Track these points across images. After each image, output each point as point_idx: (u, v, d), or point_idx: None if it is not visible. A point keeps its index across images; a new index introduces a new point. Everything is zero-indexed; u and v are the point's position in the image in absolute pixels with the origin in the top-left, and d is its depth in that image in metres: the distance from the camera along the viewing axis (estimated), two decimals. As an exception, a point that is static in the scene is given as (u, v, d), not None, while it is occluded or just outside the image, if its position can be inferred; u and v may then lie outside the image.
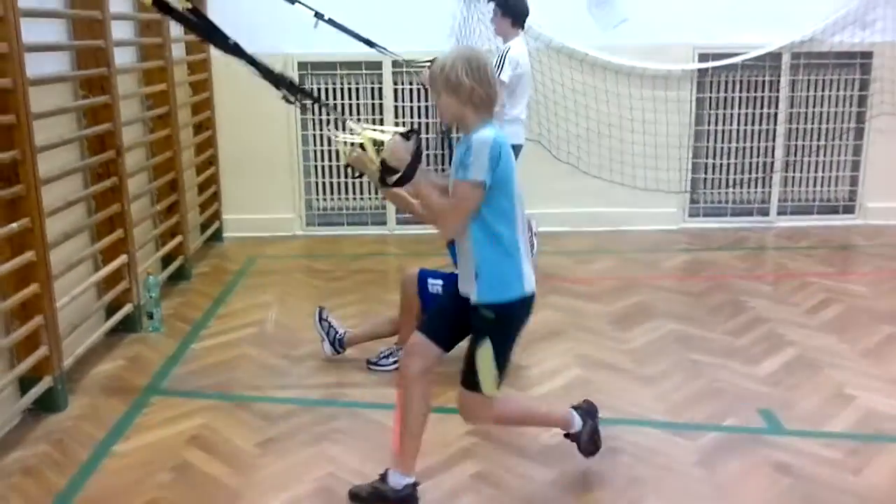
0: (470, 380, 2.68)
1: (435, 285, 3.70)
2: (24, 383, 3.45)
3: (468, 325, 2.70)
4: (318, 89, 6.22)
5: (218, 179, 6.16)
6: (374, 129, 2.71)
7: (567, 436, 3.03)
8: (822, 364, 3.93)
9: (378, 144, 2.68)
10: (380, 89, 6.21)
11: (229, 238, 6.27)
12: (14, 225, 3.24)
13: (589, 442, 3.01)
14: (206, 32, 2.53)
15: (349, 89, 6.25)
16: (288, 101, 2.77)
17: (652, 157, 6.28)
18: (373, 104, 6.25)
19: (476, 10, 6.02)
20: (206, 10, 5.87)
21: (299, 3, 4.76)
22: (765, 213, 6.48)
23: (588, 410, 3.06)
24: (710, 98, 6.32)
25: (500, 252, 2.59)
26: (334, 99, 6.23)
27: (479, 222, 2.58)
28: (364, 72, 6.16)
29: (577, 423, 2.99)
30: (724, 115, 6.35)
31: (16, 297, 3.31)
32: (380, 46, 4.93)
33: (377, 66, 6.05)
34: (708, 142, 6.40)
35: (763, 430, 3.34)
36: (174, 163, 5.12)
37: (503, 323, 2.64)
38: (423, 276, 3.75)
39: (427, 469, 3.04)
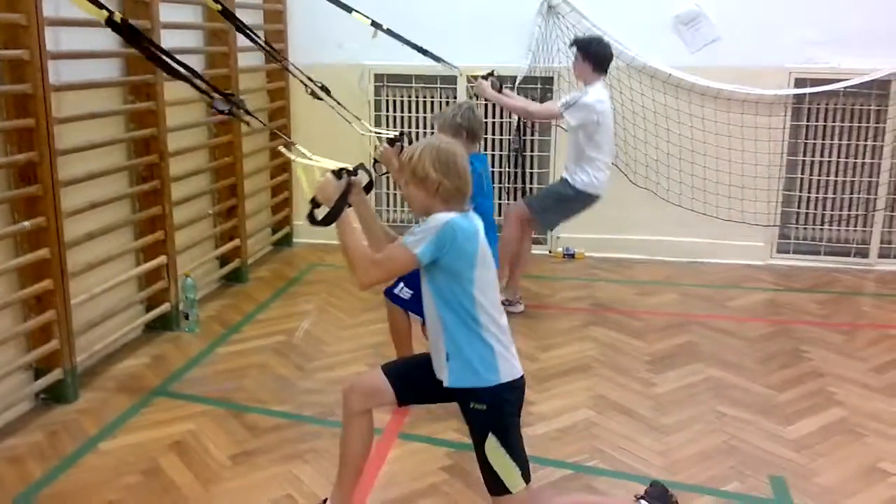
0: (496, 486, 2.48)
1: (403, 291, 3.59)
2: (39, 372, 3.63)
3: (437, 393, 2.57)
4: (393, 101, 6.23)
5: (290, 185, 6.28)
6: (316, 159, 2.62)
7: None
8: (866, 431, 3.51)
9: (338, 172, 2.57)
10: (472, 94, 6.13)
11: (300, 244, 6.38)
12: (26, 223, 3.41)
13: None
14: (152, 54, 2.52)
15: (423, 102, 6.22)
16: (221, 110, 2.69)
17: (738, 186, 5.86)
18: (447, 118, 6.17)
19: (555, 26, 5.84)
20: (287, 23, 6.06)
21: (357, 12, 4.76)
22: (864, 254, 5.90)
23: (657, 496, 2.79)
24: (807, 127, 5.82)
25: (468, 336, 2.44)
26: (409, 112, 6.22)
27: (438, 303, 2.45)
28: (439, 86, 6.11)
29: None
30: (822, 145, 5.82)
31: (29, 290, 3.49)
32: (434, 55, 4.86)
33: (452, 80, 5.98)
34: (802, 173, 5.90)
35: (766, 501, 3.01)
36: (234, 168, 5.26)
37: (497, 411, 2.47)
38: (389, 290, 3.66)
39: (385, 501, 2.96)
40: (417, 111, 6.23)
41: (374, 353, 4.22)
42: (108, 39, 4.10)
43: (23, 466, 3.16)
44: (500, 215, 5.52)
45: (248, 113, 2.65)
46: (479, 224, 2.49)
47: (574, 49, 4.85)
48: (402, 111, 6.25)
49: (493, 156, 6.15)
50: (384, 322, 4.56)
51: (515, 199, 6.20)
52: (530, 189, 6.14)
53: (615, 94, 5.84)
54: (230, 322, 4.75)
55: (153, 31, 4.18)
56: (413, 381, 2.64)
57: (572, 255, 6.12)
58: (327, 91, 3.81)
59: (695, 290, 5.45)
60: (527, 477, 2.49)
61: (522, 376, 2.53)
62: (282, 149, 2.79)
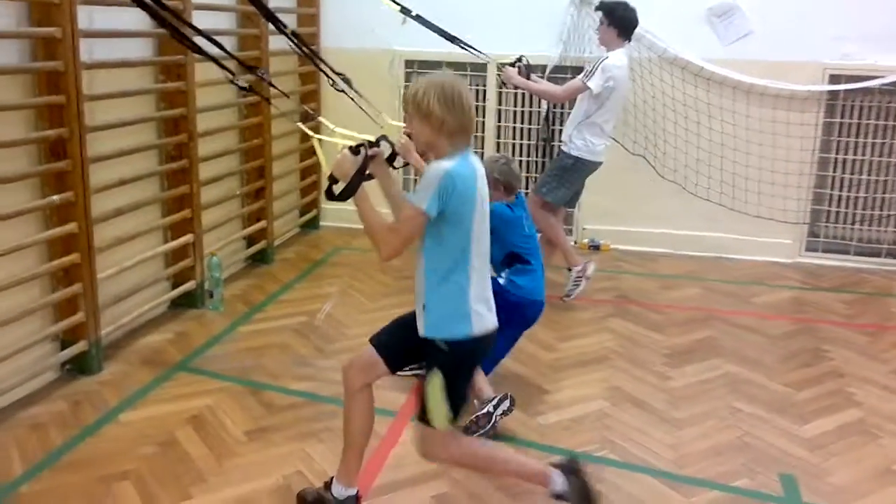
0: (423, 414, 2.58)
1: None
2: (65, 343, 3.73)
3: (421, 351, 2.59)
4: (424, 87, 6.24)
5: (319, 168, 6.33)
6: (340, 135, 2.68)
7: (555, 496, 2.67)
8: (883, 433, 3.48)
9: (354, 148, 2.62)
10: (483, 91, 6.14)
11: (326, 227, 6.44)
12: (55, 198, 3.49)
13: (582, 500, 2.68)
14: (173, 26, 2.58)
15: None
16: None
17: (768, 182, 5.80)
18: (476, 106, 6.17)
19: (588, 15, 5.81)
20: (320, 7, 6.12)
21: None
22: (895, 255, 5.81)
23: (570, 467, 2.73)
24: (840, 124, 5.73)
25: (448, 289, 2.48)
26: (438, 98, 6.22)
27: (428, 255, 2.49)
28: (469, 73, 6.10)
29: (558, 482, 2.64)
30: (856, 143, 5.73)
31: (56, 262, 3.58)
32: (464, 43, 4.85)
33: (482, 67, 5.98)
34: (834, 171, 5.81)
35: (776, 499, 3.00)
36: (263, 150, 5.32)
37: (456, 358, 2.54)
38: None
39: (391, 483, 3.01)
40: (447, 98, 6.22)
41: (392, 337, 4.25)
42: (141, 19, 4.17)
43: (45, 434, 3.26)
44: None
45: (271, 85, 2.71)
46: (477, 167, 2.52)
47: (599, 14, 4.84)
48: (431, 98, 6.25)
49: (521, 145, 6.16)
50: (404, 307, 4.59)
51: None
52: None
53: (646, 86, 5.82)
54: (254, 301, 4.83)
55: (185, 12, 4.24)
56: (397, 346, 2.69)
57: (598, 247, 6.10)
58: (348, 83, 3.84)
59: (719, 285, 5.41)
60: (454, 422, 2.55)
61: (494, 329, 2.58)
62: (300, 124, 2.84)
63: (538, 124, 6.09)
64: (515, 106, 6.13)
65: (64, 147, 3.50)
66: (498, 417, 3.36)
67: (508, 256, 3.74)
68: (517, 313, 3.66)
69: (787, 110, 5.67)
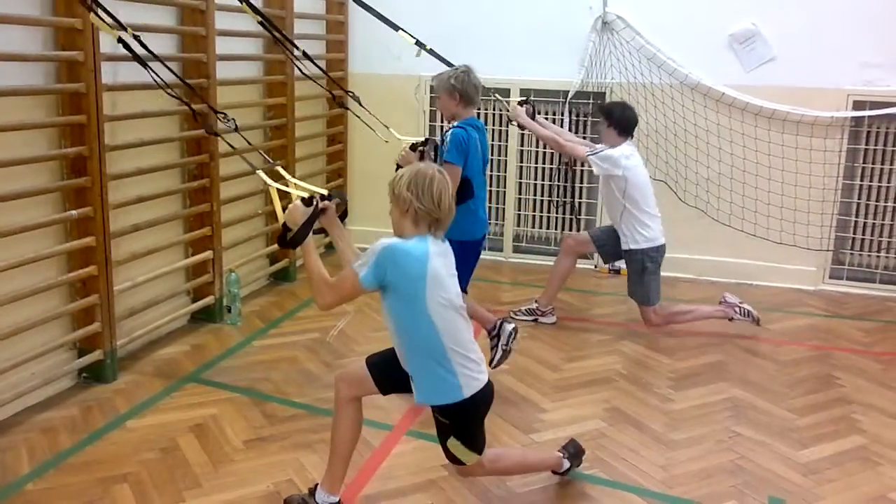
0: (452, 460, 2.78)
1: None
2: (82, 352, 3.90)
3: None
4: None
5: (345, 190, 6.48)
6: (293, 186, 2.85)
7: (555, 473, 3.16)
8: (883, 460, 3.43)
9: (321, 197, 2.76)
10: (507, 117, 6.23)
11: (352, 247, 6.56)
12: (74, 212, 3.67)
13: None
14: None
15: (477, 114, 6.30)
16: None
17: (791, 209, 5.76)
18: (499, 130, 6.29)
19: (609, 41, 5.88)
20: (348, 34, 6.30)
21: (403, 31, 4.95)
22: (922, 284, 5.72)
23: (575, 454, 3.17)
24: (865, 150, 5.68)
25: (429, 364, 2.59)
26: (462, 122, 6.33)
27: (399, 330, 2.60)
28: (493, 98, 6.20)
29: (566, 465, 3.14)
30: (881, 170, 5.66)
31: (74, 274, 3.75)
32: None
33: (506, 93, 6.06)
34: (859, 198, 5.74)
35: (762, 522, 3.00)
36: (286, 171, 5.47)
37: (459, 421, 2.67)
38: None
39: (378, 493, 3.08)
40: (471, 122, 6.34)
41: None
42: (165, 44, 4.37)
43: (54, 437, 3.41)
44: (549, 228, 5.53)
45: (236, 130, 2.91)
46: (431, 248, 2.55)
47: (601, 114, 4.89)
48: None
49: (542, 169, 6.23)
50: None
51: (564, 211, 6.27)
52: (579, 203, 6.19)
53: (667, 112, 5.85)
54: (271, 317, 4.96)
55: (208, 38, 4.43)
56: (389, 373, 2.77)
57: (617, 272, 6.11)
58: (357, 100, 4.00)
59: (737, 311, 5.37)
60: (480, 453, 2.75)
61: (488, 383, 2.68)
62: (259, 173, 3.02)
63: (562, 159, 6.14)
64: (537, 147, 6.21)
65: (84, 164, 3.69)
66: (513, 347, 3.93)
67: (462, 182, 3.70)
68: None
69: (810, 136, 5.64)
